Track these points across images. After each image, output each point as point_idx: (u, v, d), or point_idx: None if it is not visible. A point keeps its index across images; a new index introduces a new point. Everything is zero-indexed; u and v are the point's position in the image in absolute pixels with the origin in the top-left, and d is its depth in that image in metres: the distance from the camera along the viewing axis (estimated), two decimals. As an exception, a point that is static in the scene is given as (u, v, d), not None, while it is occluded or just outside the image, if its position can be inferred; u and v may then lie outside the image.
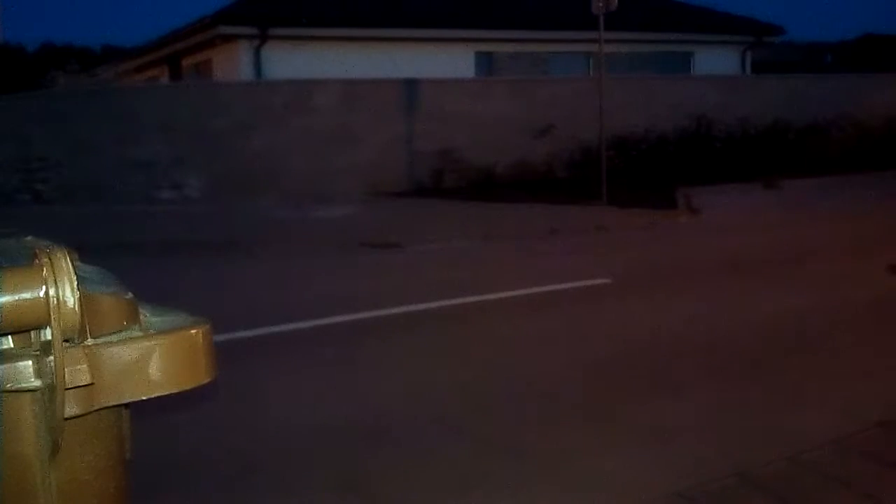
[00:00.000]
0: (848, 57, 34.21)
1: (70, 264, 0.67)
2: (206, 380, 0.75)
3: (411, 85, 14.71)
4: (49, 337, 0.67)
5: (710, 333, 5.56)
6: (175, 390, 0.73)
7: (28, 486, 0.70)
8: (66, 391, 0.67)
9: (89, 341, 0.69)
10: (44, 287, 0.66)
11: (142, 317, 0.75)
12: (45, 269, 0.67)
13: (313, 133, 14.04)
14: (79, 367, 0.67)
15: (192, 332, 0.74)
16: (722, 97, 17.07)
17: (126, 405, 0.75)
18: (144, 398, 0.72)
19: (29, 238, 0.82)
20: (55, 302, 0.66)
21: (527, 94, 15.83)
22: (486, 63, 18.16)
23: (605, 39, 12.39)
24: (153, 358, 0.71)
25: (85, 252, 0.76)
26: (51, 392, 0.67)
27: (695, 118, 16.25)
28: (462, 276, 7.67)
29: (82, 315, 0.67)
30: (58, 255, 0.67)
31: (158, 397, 0.72)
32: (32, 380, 0.67)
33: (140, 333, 0.73)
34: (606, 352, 5.20)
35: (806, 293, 6.57)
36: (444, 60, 16.75)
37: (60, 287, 0.66)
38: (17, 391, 0.67)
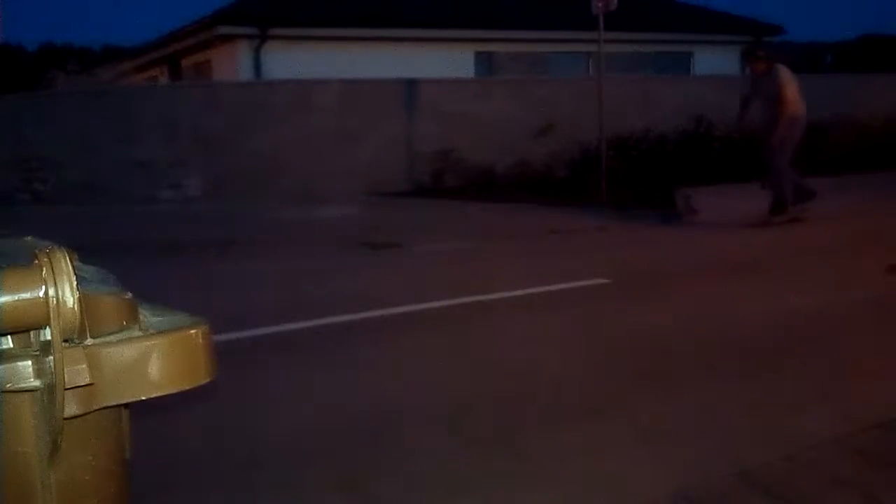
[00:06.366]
0: (848, 57, 34.26)
1: (70, 264, 0.68)
2: (205, 380, 0.75)
3: (411, 85, 14.71)
4: (49, 337, 0.67)
5: (710, 333, 5.56)
6: (175, 390, 0.73)
7: (28, 486, 0.70)
8: (66, 391, 0.67)
9: (89, 341, 0.69)
10: (44, 287, 0.66)
11: (141, 317, 0.75)
12: (44, 269, 0.67)
13: (313, 133, 14.04)
14: (78, 367, 0.67)
15: (192, 332, 0.74)
16: (722, 97, 17.04)
17: (126, 405, 0.75)
18: (144, 398, 0.72)
19: (29, 238, 0.82)
20: (55, 302, 0.66)
21: (527, 94, 15.83)
22: (486, 63, 18.17)
23: (604, 39, 12.38)
24: (153, 358, 0.71)
25: (85, 252, 0.76)
26: (51, 392, 0.67)
27: (695, 118, 16.24)
28: (462, 276, 7.66)
29: (82, 315, 0.67)
30: (58, 255, 0.67)
31: (158, 397, 0.72)
32: (32, 380, 0.67)
33: (140, 333, 0.73)
34: (605, 351, 5.19)
35: (805, 293, 6.56)
36: (444, 60, 16.75)
37: (60, 287, 0.66)
38: (17, 391, 0.68)
